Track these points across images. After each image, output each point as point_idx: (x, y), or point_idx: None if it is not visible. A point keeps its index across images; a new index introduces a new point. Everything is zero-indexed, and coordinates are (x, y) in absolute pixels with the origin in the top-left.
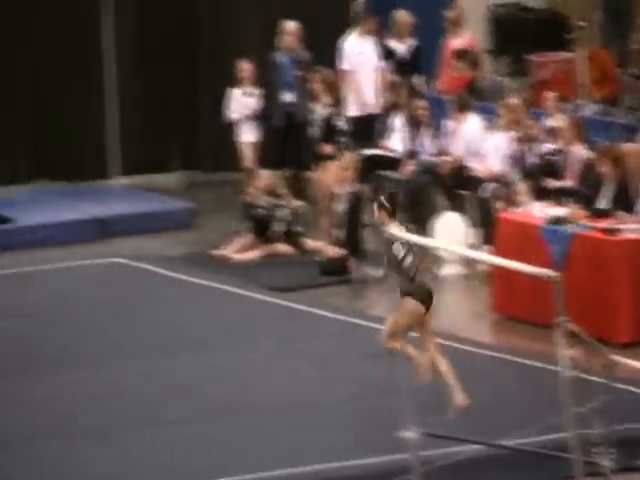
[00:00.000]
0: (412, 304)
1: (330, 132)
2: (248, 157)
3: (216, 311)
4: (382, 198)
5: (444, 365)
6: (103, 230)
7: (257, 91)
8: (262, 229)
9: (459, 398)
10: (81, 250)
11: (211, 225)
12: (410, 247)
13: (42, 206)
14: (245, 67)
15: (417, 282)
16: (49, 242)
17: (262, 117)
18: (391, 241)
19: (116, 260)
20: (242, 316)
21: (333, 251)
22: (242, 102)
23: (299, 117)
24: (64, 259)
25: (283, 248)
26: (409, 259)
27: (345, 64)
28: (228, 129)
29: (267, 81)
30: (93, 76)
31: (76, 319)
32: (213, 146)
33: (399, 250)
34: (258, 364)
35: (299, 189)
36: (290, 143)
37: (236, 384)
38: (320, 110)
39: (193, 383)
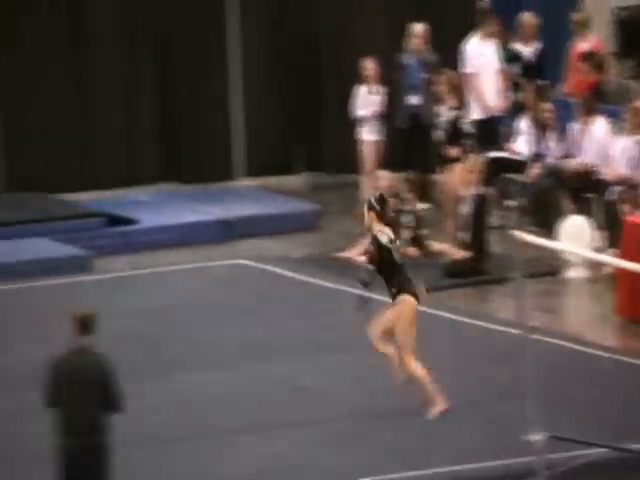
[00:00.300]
0: (412, 301)
1: (455, 135)
2: (369, 157)
3: (340, 313)
4: (372, 199)
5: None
6: (228, 231)
7: (382, 89)
8: None
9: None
10: (206, 251)
11: (335, 227)
12: (396, 245)
13: (167, 207)
14: (369, 65)
15: (409, 279)
16: (174, 243)
17: (385, 116)
18: (382, 242)
19: (241, 262)
20: (367, 318)
21: (458, 253)
22: (367, 100)
23: (424, 119)
24: (189, 261)
25: (410, 251)
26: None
27: (468, 67)
28: (353, 127)
29: (391, 81)
30: (218, 77)
31: (201, 320)
32: (336, 148)
33: (389, 247)
34: (382, 367)
35: (424, 192)
36: (414, 145)
37: (361, 387)
38: (445, 113)
39: (317, 385)
